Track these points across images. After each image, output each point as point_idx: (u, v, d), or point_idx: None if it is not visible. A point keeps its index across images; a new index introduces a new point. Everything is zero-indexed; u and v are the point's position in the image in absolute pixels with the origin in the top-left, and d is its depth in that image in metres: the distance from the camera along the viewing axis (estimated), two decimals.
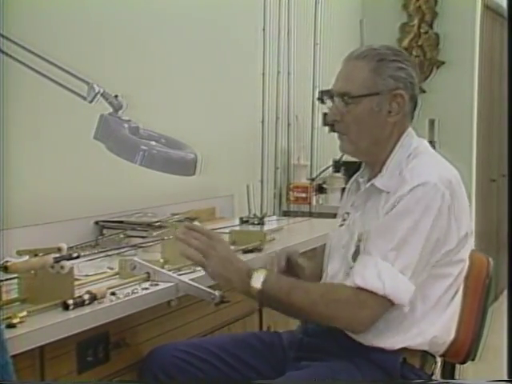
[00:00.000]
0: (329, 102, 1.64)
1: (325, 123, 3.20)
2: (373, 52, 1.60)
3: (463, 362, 1.72)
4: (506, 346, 1.98)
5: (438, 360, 1.69)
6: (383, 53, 1.60)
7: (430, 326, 1.56)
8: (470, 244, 1.61)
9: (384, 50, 1.61)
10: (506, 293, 3.51)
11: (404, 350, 1.55)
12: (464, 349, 1.69)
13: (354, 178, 1.76)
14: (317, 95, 3.26)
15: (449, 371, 1.77)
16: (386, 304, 1.47)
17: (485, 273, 1.74)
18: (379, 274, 1.45)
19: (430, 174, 1.51)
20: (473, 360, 1.72)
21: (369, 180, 1.65)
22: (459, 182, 1.56)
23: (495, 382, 1.94)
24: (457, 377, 1.79)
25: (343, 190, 2.38)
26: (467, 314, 1.67)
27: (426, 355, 1.60)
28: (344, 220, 1.70)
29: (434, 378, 1.66)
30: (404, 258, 1.46)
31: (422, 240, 1.48)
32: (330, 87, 1.64)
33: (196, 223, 2.02)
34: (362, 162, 1.72)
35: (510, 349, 1.96)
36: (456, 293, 1.61)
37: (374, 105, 1.58)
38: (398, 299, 1.46)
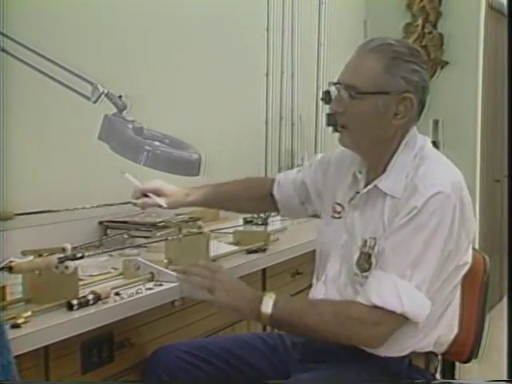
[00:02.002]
0: (334, 91, 1.56)
1: (328, 123, 3.20)
2: (388, 47, 1.51)
3: (467, 361, 1.73)
4: (506, 346, 1.98)
5: (440, 357, 1.69)
6: (399, 51, 1.51)
7: (435, 327, 1.56)
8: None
9: (400, 47, 1.52)
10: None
11: (410, 352, 1.55)
12: (467, 348, 1.70)
13: (341, 158, 1.71)
14: (321, 95, 3.26)
15: (449, 370, 1.77)
16: (402, 320, 1.46)
17: (482, 271, 1.73)
18: (397, 292, 1.44)
19: (444, 183, 1.47)
20: (476, 358, 1.73)
21: (368, 179, 1.60)
22: (465, 187, 1.54)
23: (495, 382, 1.94)
24: (457, 375, 1.79)
25: None
26: (468, 314, 1.67)
27: (430, 355, 1.61)
28: (338, 212, 1.65)
29: (436, 376, 1.67)
30: (420, 274, 1.45)
31: (437, 254, 1.46)
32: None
33: (200, 223, 2.02)
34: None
35: (510, 349, 1.96)
36: (457, 291, 1.62)
37: (380, 104, 1.51)
38: (415, 317, 1.46)
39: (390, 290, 1.44)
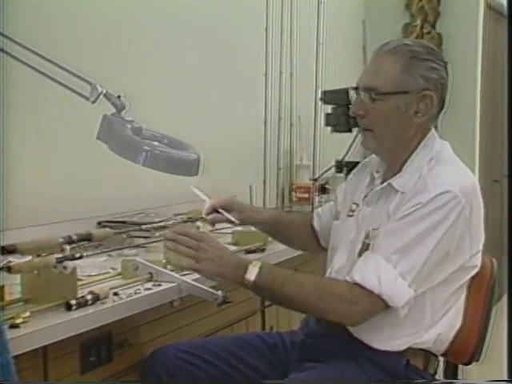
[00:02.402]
0: (354, 96, 1.59)
1: (327, 123, 3.20)
2: (405, 48, 1.55)
3: (468, 363, 1.72)
4: (506, 347, 1.98)
5: (441, 359, 1.69)
6: (416, 50, 1.55)
7: (437, 324, 1.57)
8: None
9: (417, 47, 1.56)
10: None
11: (407, 349, 1.56)
12: (468, 350, 1.69)
13: (364, 164, 1.75)
14: (319, 95, 3.26)
15: (452, 372, 1.76)
16: (380, 304, 1.46)
17: (489, 274, 1.73)
18: (378, 273, 1.44)
19: (453, 183, 1.48)
20: (477, 361, 1.72)
21: (384, 178, 1.62)
22: (479, 193, 1.54)
23: (495, 382, 1.93)
24: (460, 376, 1.78)
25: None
26: (471, 315, 1.67)
27: (428, 355, 1.61)
28: (352, 211, 1.67)
29: (436, 377, 1.66)
30: (407, 263, 1.45)
31: (429, 249, 1.46)
32: (352, 84, 1.61)
33: (198, 224, 2.02)
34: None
35: (510, 349, 1.96)
36: (462, 293, 1.62)
37: (400, 103, 1.54)
38: (392, 302, 1.46)
39: (372, 270, 1.45)
